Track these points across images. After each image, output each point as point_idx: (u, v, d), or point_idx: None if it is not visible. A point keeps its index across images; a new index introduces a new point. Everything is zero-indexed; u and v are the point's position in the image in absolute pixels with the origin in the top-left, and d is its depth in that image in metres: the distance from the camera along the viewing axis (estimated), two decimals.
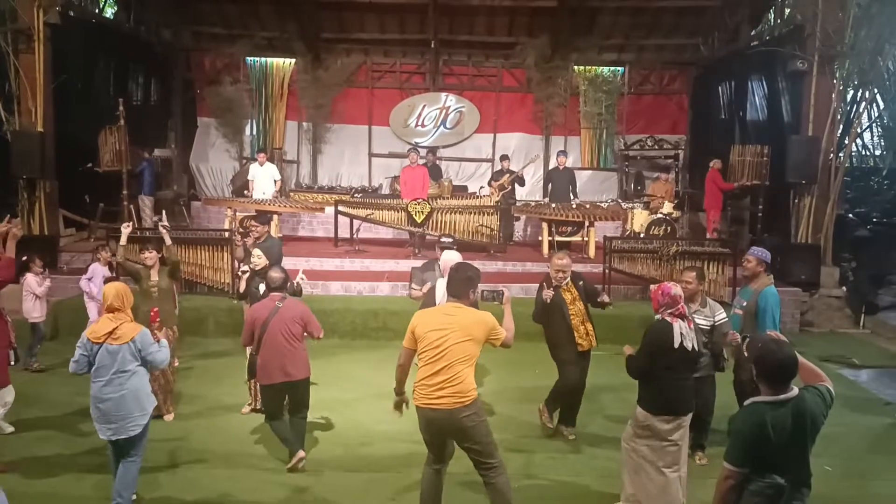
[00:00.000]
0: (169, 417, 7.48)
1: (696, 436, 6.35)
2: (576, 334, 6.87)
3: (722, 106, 16.95)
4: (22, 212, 12.27)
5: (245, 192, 14.36)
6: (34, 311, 9.08)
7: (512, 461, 6.48)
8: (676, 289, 5.50)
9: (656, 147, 17.32)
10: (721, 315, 6.48)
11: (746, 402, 3.79)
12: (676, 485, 5.40)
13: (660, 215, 13.27)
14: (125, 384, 5.39)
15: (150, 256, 7.79)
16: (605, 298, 7.04)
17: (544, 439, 7.14)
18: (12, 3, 11.84)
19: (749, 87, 15.34)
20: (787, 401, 3.63)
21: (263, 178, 14.10)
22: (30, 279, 9.06)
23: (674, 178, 16.32)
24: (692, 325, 5.45)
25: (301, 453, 6.36)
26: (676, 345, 5.31)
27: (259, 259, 7.52)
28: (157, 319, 6.25)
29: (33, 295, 9.04)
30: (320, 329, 6.56)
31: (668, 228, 13.11)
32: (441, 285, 6.70)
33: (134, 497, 5.61)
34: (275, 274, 6.56)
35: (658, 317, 5.48)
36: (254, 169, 14.30)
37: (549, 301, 6.79)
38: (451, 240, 8.02)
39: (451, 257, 6.90)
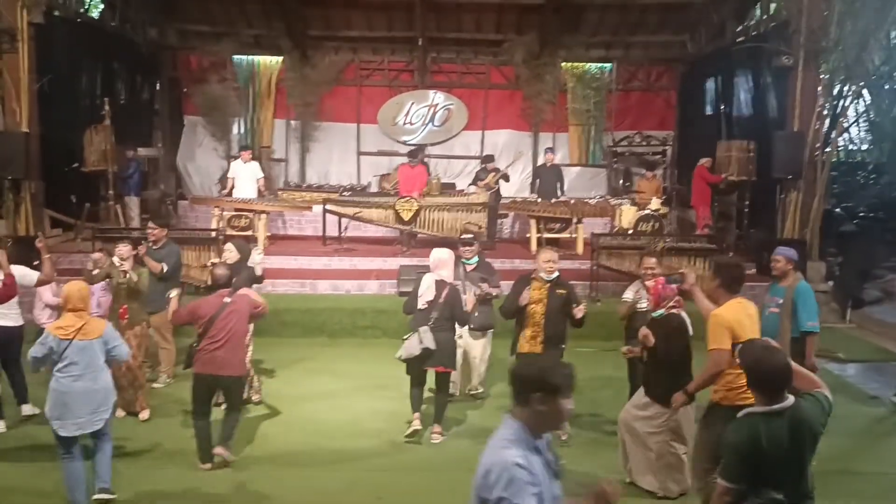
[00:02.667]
0: (144, 415, 7.40)
1: None
2: (523, 331, 6.76)
3: (708, 102, 17.01)
4: (7, 213, 12.20)
5: (224, 189, 14.28)
6: (47, 316, 8.50)
7: None
8: (673, 285, 5.94)
9: (644, 143, 17.35)
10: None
11: (739, 414, 3.62)
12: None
13: (648, 211, 13.28)
14: (98, 379, 5.54)
15: (125, 250, 7.65)
16: (578, 314, 6.72)
17: None
18: None
19: (735, 83, 15.39)
20: (783, 411, 3.45)
21: (245, 176, 13.96)
22: (43, 289, 8.56)
23: (661, 175, 16.34)
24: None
25: (222, 450, 6.31)
26: (691, 333, 5.80)
27: (231, 253, 7.54)
28: (126, 317, 6.25)
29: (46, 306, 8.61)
30: (263, 304, 6.70)
31: (657, 225, 13.12)
32: (428, 278, 6.81)
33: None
34: (219, 271, 6.66)
35: (662, 312, 5.87)
36: (235, 166, 14.16)
37: (522, 304, 6.70)
38: (471, 236, 8.09)
39: (439, 255, 7.01)
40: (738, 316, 4.99)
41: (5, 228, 12.21)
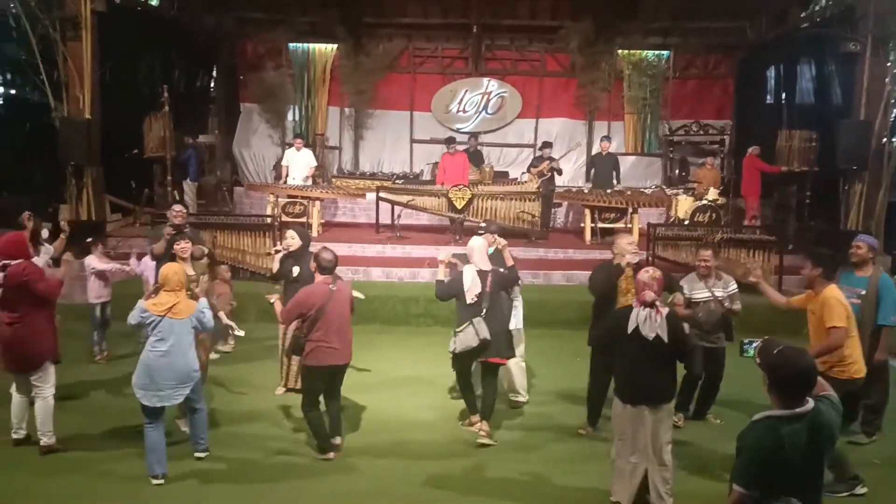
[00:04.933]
0: None
1: (706, 399, 7.22)
2: None
3: (769, 90, 16.65)
4: (70, 198, 12.48)
5: (279, 177, 14.41)
6: (92, 292, 8.80)
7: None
8: (645, 275, 5.42)
9: (701, 132, 17.04)
10: (733, 286, 7.11)
11: (756, 417, 3.43)
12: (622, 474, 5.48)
13: (705, 202, 13.06)
14: (180, 356, 5.84)
15: (185, 248, 7.43)
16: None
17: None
18: None
19: (798, 71, 15.04)
20: (804, 415, 3.31)
21: (299, 164, 14.09)
22: (89, 259, 8.83)
23: (719, 164, 16.04)
24: (660, 315, 5.29)
25: (338, 439, 6.50)
26: (630, 330, 5.30)
27: (293, 240, 7.49)
28: None
29: (94, 275, 8.78)
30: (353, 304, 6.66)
31: (713, 215, 12.90)
32: (468, 271, 6.71)
33: (162, 480, 5.78)
34: (326, 255, 6.36)
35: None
36: (289, 154, 14.30)
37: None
38: (485, 224, 7.96)
39: (472, 244, 6.91)
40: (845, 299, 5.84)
41: (68, 213, 12.50)
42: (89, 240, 9.06)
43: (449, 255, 7.11)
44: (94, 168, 12.52)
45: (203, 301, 6.21)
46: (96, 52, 12.32)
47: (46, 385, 6.32)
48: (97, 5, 12.12)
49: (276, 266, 7.58)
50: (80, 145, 12.10)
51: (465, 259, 7.01)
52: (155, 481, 5.76)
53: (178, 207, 8.53)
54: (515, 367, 7.55)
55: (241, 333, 9.06)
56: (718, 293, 6.98)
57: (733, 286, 7.10)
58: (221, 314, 7.88)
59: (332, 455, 6.31)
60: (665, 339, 5.23)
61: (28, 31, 12.23)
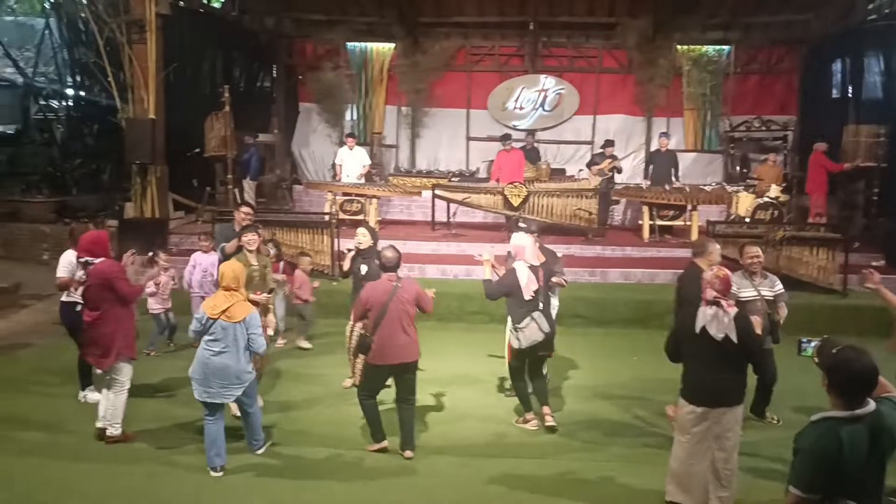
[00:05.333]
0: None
1: (761, 401, 7.03)
2: None
3: (835, 84, 16.19)
4: (135, 196, 12.78)
5: (334, 177, 14.54)
6: (151, 302, 9.04)
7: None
8: (709, 273, 5.28)
9: (764, 128, 16.72)
10: (779, 286, 6.88)
11: (815, 418, 3.34)
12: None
13: (766, 199, 12.77)
14: (232, 358, 5.91)
15: (253, 239, 7.66)
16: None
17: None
18: None
19: (865, 65, 14.59)
20: (864, 416, 3.22)
21: (352, 163, 14.21)
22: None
23: (782, 161, 15.68)
24: (727, 315, 5.09)
25: (409, 453, 6.29)
26: (698, 330, 5.12)
27: (364, 238, 7.57)
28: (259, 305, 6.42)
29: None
30: (431, 302, 6.54)
31: (775, 213, 12.60)
32: (522, 268, 6.71)
33: (222, 471, 5.94)
34: (389, 253, 6.33)
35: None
36: (342, 153, 14.43)
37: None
38: (524, 223, 7.94)
39: (521, 241, 6.90)
40: None
41: (133, 211, 12.82)
42: (150, 254, 9.12)
43: (491, 254, 7.11)
44: (158, 167, 12.82)
45: (257, 320, 6.12)
46: (160, 53, 12.62)
47: (122, 380, 6.51)
48: (161, 8, 12.41)
49: (347, 264, 7.76)
50: (145, 145, 12.39)
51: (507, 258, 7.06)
52: (213, 473, 5.91)
53: (245, 209, 8.67)
54: None
55: (283, 343, 9.34)
56: (765, 293, 6.73)
57: (779, 286, 6.88)
58: (270, 318, 7.84)
59: (385, 444, 6.33)
60: (734, 339, 5.06)
61: (96, 34, 12.62)
